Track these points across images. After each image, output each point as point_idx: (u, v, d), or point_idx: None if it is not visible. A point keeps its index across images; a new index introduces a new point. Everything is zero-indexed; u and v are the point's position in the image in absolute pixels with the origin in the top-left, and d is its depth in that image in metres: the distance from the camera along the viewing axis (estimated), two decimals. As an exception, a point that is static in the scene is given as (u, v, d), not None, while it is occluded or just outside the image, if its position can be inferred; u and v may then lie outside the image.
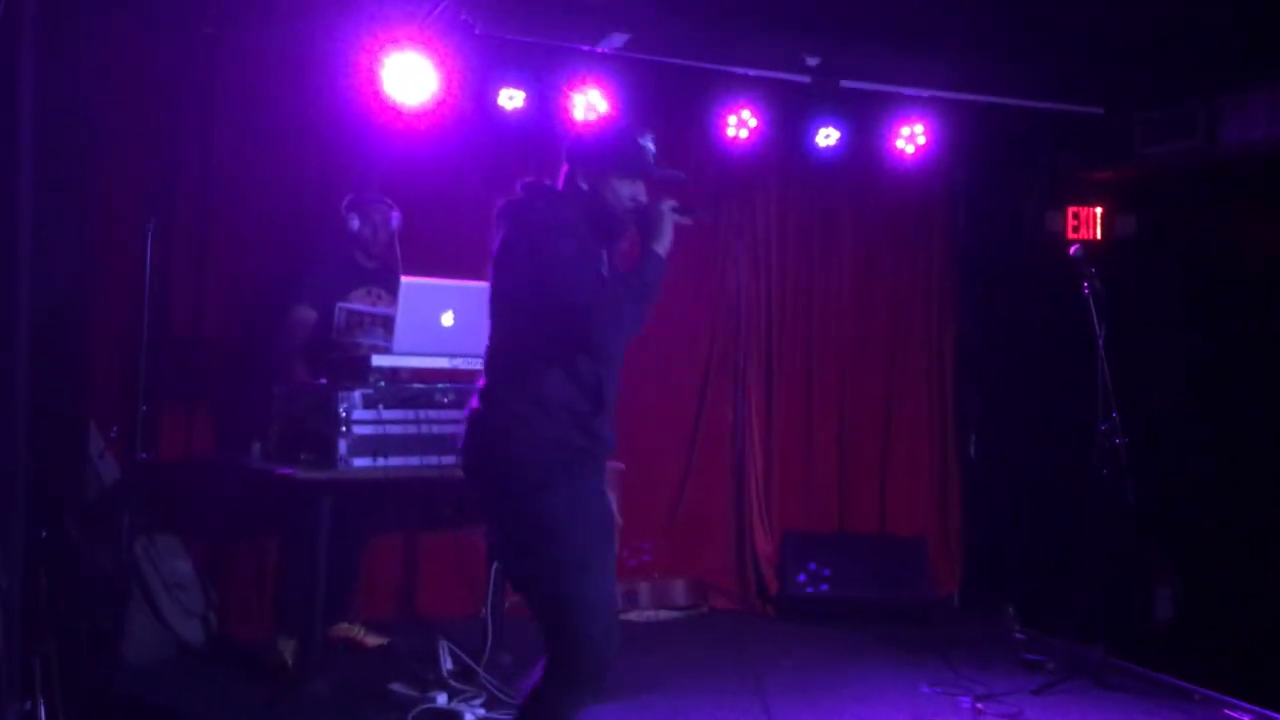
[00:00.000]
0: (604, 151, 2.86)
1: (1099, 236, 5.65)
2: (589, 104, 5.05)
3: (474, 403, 2.84)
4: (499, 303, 2.84)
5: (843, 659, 4.83)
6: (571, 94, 5.04)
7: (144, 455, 3.94)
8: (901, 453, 6.24)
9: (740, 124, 5.35)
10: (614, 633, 2.71)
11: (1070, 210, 5.64)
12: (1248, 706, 4.21)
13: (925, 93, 5.50)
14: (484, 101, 4.94)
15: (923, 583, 5.64)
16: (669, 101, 5.33)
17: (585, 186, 2.84)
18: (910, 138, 5.62)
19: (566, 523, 2.68)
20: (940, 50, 5.07)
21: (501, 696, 3.95)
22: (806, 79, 5.24)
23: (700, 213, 2.91)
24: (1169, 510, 5.27)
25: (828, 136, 5.48)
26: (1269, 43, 4.65)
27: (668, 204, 2.81)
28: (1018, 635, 5.16)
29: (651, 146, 2.88)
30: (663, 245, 2.77)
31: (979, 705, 4.20)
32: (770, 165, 5.87)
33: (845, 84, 5.31)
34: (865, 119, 5.54)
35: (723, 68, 5.17)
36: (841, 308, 6.15)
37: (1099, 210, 5.65)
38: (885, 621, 5.40)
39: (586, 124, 2.95)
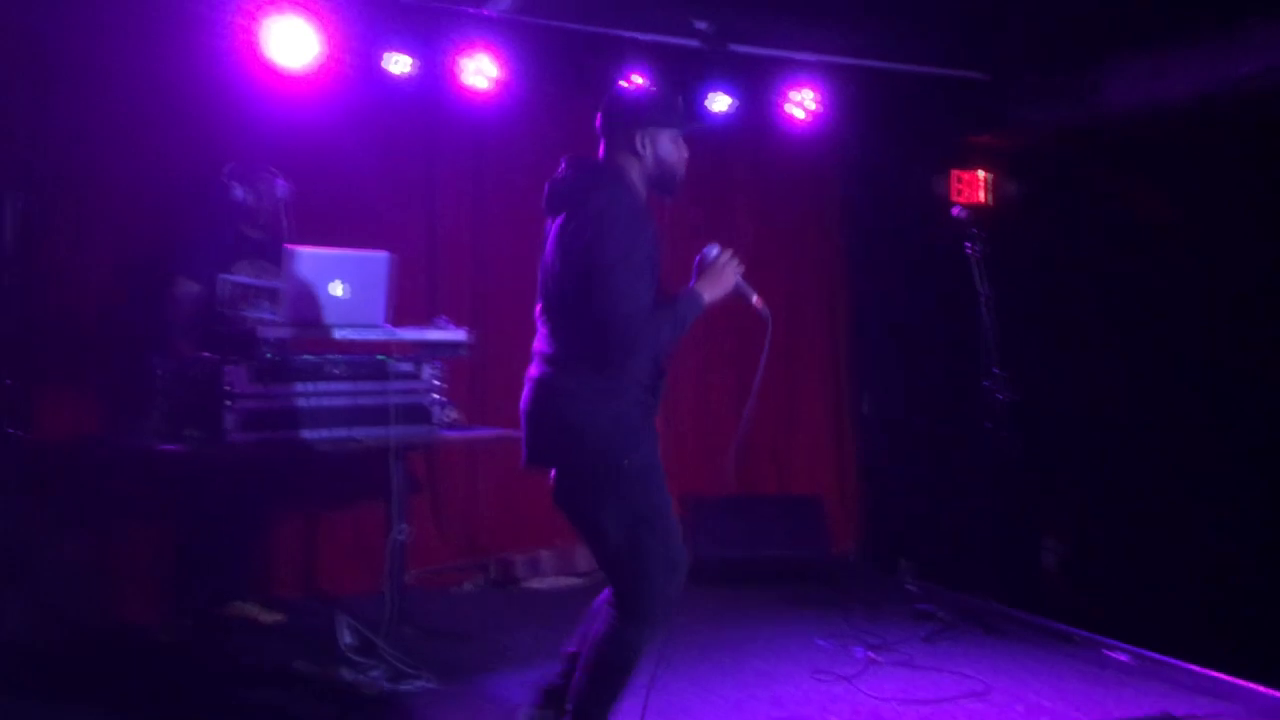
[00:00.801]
0: (649, 105, 3.00)
1: (985, 200, 5.79)
2: (479, 69, 4.99)
3: (538, 367, 2.95)
4: (563, 285, 2.90)
5: (743, 617, 4.92)
6: (460, 59, 4.97)
7: (12, 431, 3.77)
8: (798, 414, 6.35)
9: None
10: (677, 576, 2.91)
11: (954, 174, 5.77)
12: (1125, 646, 4.42)
13: (814, 57, 5.55)
14: (370, 66, 4.83)
15: (821, 541, 5.75)
16: (560, 67, 5.27)
17: (643, 148, 2.95)
18: (801, 103, 5.67)
19: (645, 481, 2.89)
20: (829, 15, 5.11)
21: (402, 668, 3.92)
22: (696, 43, 5.25)
23: (755, 304, 3.15)
24: (1055, 463, 5.48)
25: (719, 102, 5.49)
26: (1145, 9, 4.79)
27: (737, 269, 3.08)
28: (910, 588, 5.31)
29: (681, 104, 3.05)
30: (710, 295, 3.04)
31: (872, 654, 4.33)
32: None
33: (735, 48, 5.33)
34: (756, 84, 5.57)
35: (613, 31, 5.14)
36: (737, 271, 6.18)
37: (982, 174, 5.78)
38: (785, 580, 5.51)
39: (613, 92, 3.10)
